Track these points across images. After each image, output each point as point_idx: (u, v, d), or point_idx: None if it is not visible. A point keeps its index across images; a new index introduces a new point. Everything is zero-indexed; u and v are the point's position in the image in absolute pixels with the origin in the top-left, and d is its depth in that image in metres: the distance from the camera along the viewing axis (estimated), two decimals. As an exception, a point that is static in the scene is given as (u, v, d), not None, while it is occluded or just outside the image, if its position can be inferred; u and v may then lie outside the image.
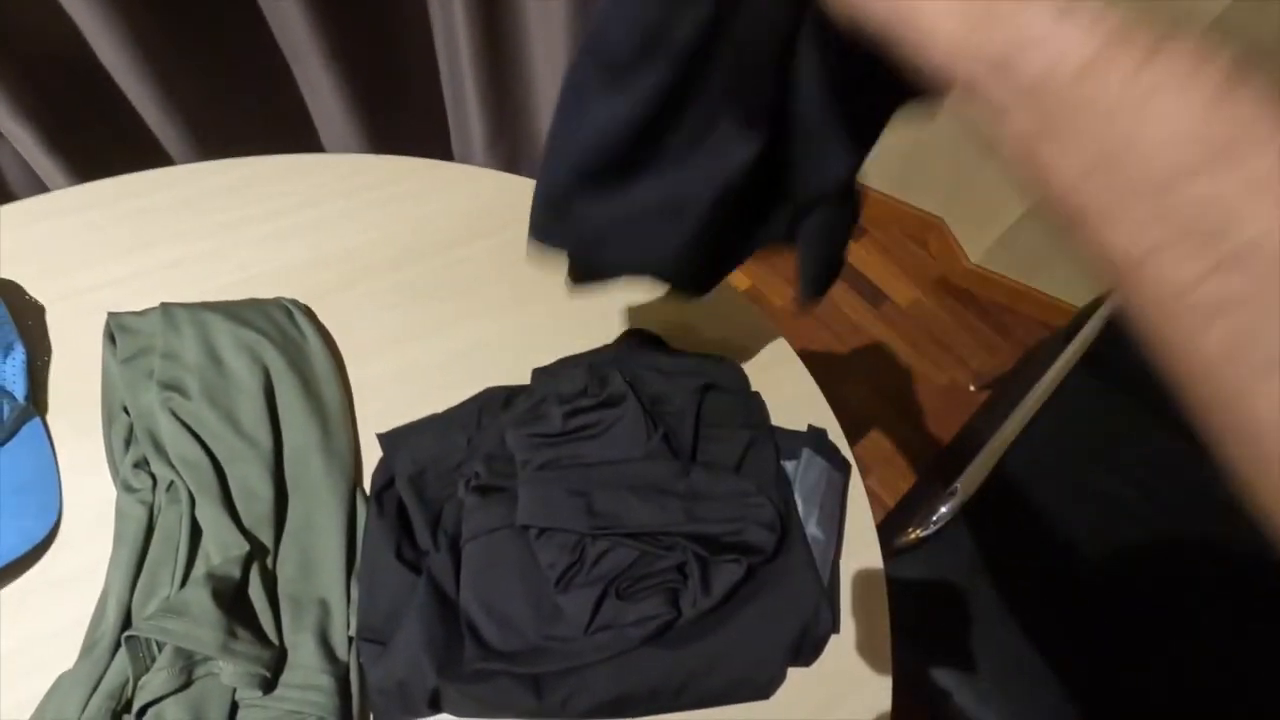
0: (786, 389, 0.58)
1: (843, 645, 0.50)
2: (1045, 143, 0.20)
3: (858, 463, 0.57)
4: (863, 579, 0.53)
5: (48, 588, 0.46)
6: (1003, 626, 0.78)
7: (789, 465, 0.54)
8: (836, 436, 0.57)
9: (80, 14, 0.63)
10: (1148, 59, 0.19)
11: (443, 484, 0.49)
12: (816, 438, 0.56)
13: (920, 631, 0.77)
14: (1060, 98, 0.20)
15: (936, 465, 0.91)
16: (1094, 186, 0.20)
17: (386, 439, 0.51)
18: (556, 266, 0.40)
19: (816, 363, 0.62)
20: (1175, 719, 0.75)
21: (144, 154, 0.74)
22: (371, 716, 0.44)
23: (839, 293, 1.53)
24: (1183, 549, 0.84)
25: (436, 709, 0.43)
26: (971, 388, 1.43)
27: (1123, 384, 0.93)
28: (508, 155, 1.08)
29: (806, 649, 0.48)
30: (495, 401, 0.54)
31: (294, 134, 0.92)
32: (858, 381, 1.43)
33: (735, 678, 0.46)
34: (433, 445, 0.51)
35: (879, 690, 0.49)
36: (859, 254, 1.58)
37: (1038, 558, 0.83)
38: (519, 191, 0.68)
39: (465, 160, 1.09)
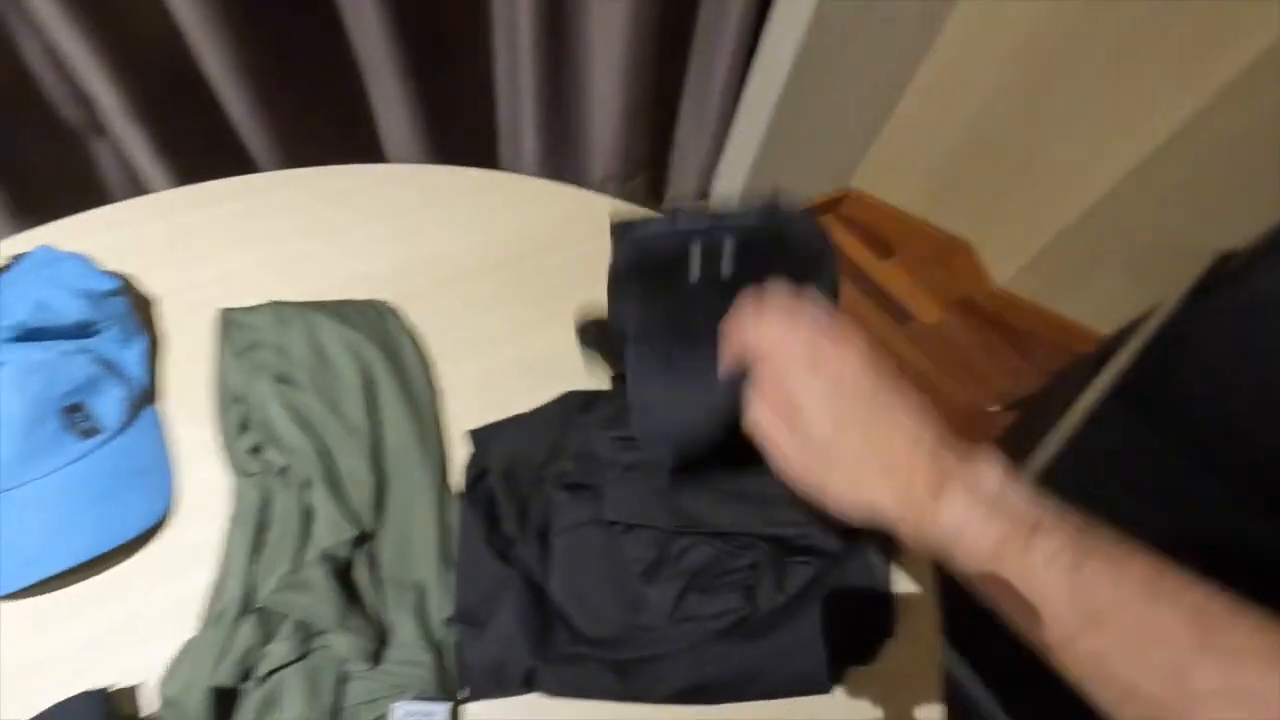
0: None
1: (895, 645, 0.53)
2: (977, 584, 0.31)
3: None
4: (913, 587, 0.56)
5: (166, 562, 0.49)
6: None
7: None
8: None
9: (187, 20, 0.67)
10: (1029, 543, 0.28)
11: (529, 480, 0.52)
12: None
13: (960, 642, 0.80)
14: (979, 570, 0.29)
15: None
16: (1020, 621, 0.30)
17: (477, 435, 0.55)
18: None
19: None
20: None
21: (233, 160, 0.78)
22: (468, 691, 0.47)
23: (865, 309, 1.56)
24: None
25: (529, 687, 0.46)
26: (992, 409, 1.46)
27: (1155, 419, 0.96)
28: (556, 170, 1.12)
29: (865, 648, 0.51)
30: (575, 404, 0.57)
31: (356, 143, 0.96)
32: (883, 398, 1.46)
33: (801, 671, 0.49)
34: (520, 443, 0.54)
35: (929, 690, 0.52)
36: (886, 272, 1.61)
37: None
38: (592, 206, 0.72)
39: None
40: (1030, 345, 1.53)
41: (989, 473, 0.30)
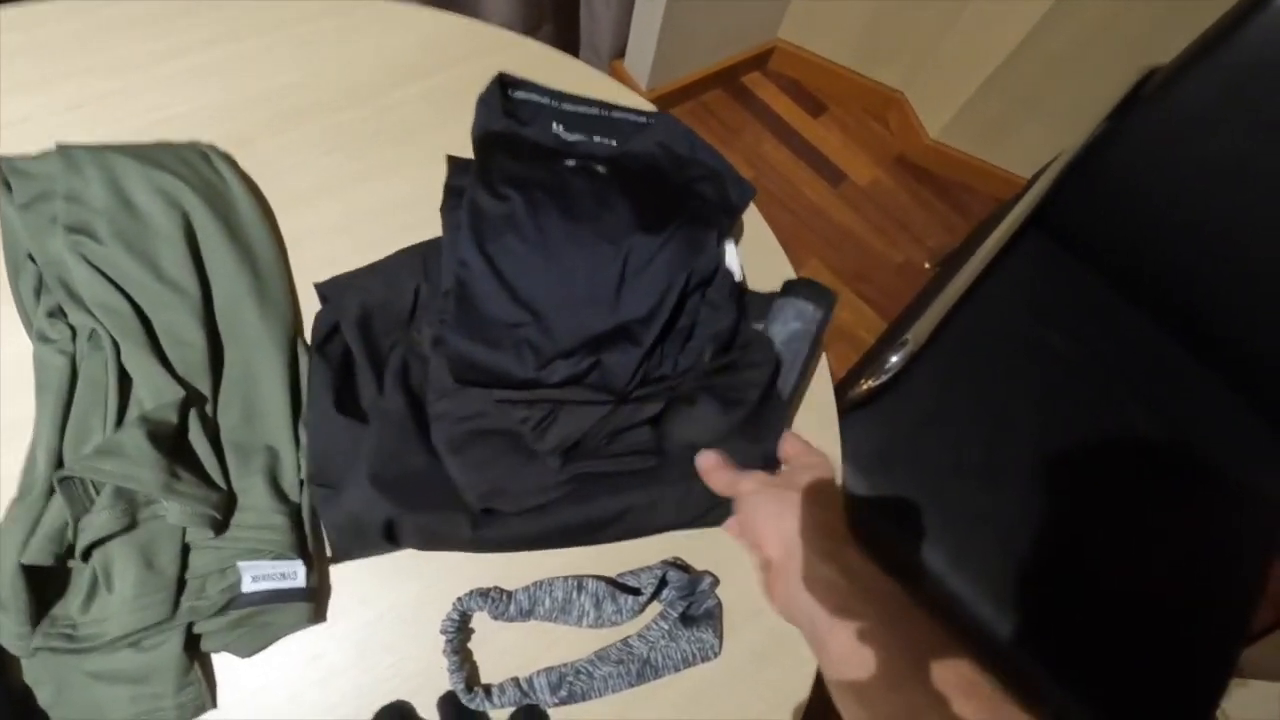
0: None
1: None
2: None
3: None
4: (819, 423, 0.54)
5: (-28, 446, 0.44)
6: (951, 474, 0.82)
7: (758, 326, 0.52)
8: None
9: None
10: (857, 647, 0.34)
11: (391, 330, 0.47)
12: (794, 286, 0.54)
13: (873, 476, 0.81)
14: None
15: (890, 330, 0.92)
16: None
17: (326, 287, 0.49)
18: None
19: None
20: (1110, 558, 0.81)
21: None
22: (329, 555, 0.44)
23: (799, 174, 1.50)
24: (1124, 403, 0.89)
25: (392, 541, 0.43)
26: (927, 265, 1.44)
27: (1068, 242, 0.94)
28: None
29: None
30: (439, 250, 0.51)
31: None
32: (817, 262, 1.43)
33: (693, 511, 0.47)
34: (377, 294, 0.48)
35: None
36: (819, 133, 1.54)
37: (987, 408, 0.86)
38: (456, 31, 0.63)
39: None
40: (964, 199, 1.50)
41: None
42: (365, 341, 0.46)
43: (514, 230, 0.46)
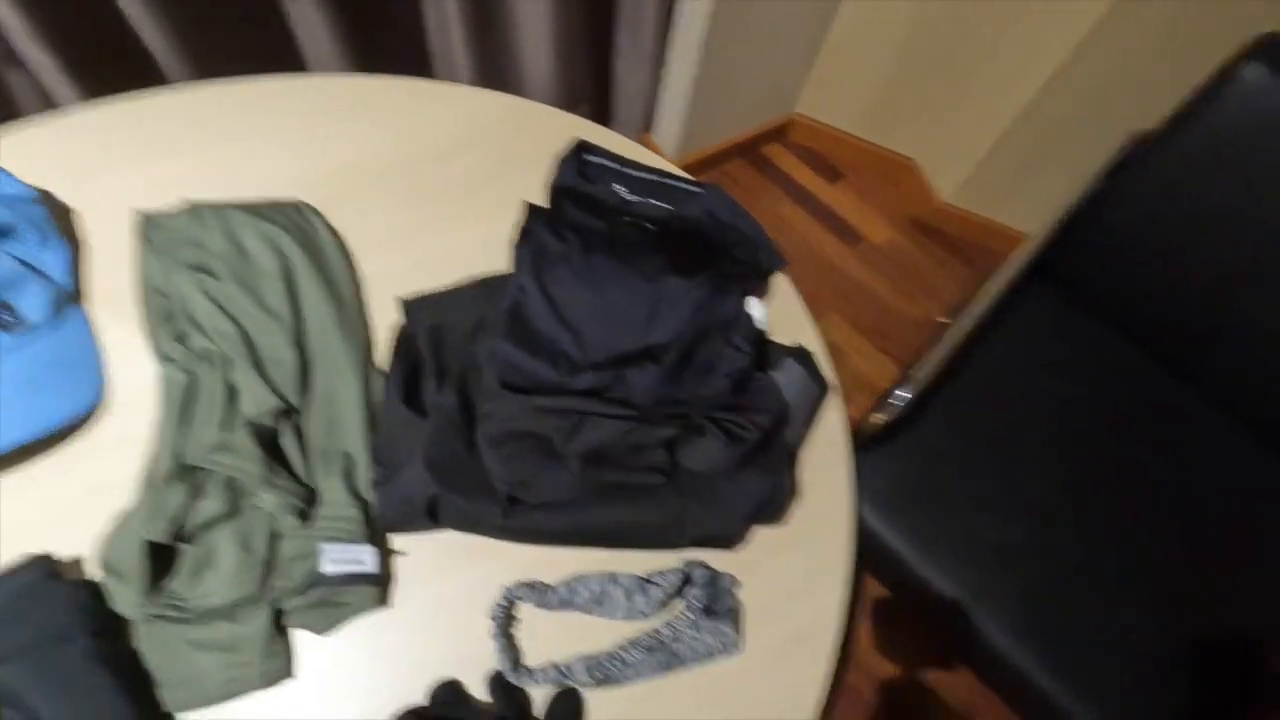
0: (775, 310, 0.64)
1: (809, 515, 0.57)
2: None
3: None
4: (831, 462, 0.60)
5: (100, 451, 0.52)
6: (968, 509, 0.86)
7: (774, 375, 0.58)
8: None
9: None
10: None
11: (456, 343, 0.55)
12: (801, 353, 0.60)
13: (890, 511, 0.85)
14: None
15: (902, 373, 0.98)
16: None
17: (409, 303, 0.57)
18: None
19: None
20: (1126, 592, 0.83)
21: (145, 78, 0.78)
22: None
23: (817, 234, 1.59)
24: (1132, 441, 0.92)
25: (433, 519, 0.49)
26: (940, 318, 1.49)
27: (1071, 292, 1.00)
28: (487, 77, 1.13)
29: (766, 515, 0.55)
30: (499, 283, 0.59)
31: (279, 55, 0.95)
32: (837, 316, 1.50)
33: (705, 532, 0.52)
34: (447, 311, 0.57)
35: (839, 554, 0.56)
36: (836, 197, 1.63)
37: (999, 447, 0.90)
38: (501, 108, 0.73)
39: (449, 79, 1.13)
40: (976, 256, 1.56)
41: None
42: (434, 349, 0.54)
43: (567, 264, 0.54)
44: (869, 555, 0.85)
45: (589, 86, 1.34)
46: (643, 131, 1.51)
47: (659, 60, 1.35)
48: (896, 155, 1.59)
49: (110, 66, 0.76)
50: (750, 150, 1.65)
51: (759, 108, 1.57)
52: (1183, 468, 0.90)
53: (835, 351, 1.44)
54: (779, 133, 1.65)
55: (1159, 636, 0.80)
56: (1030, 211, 1.45)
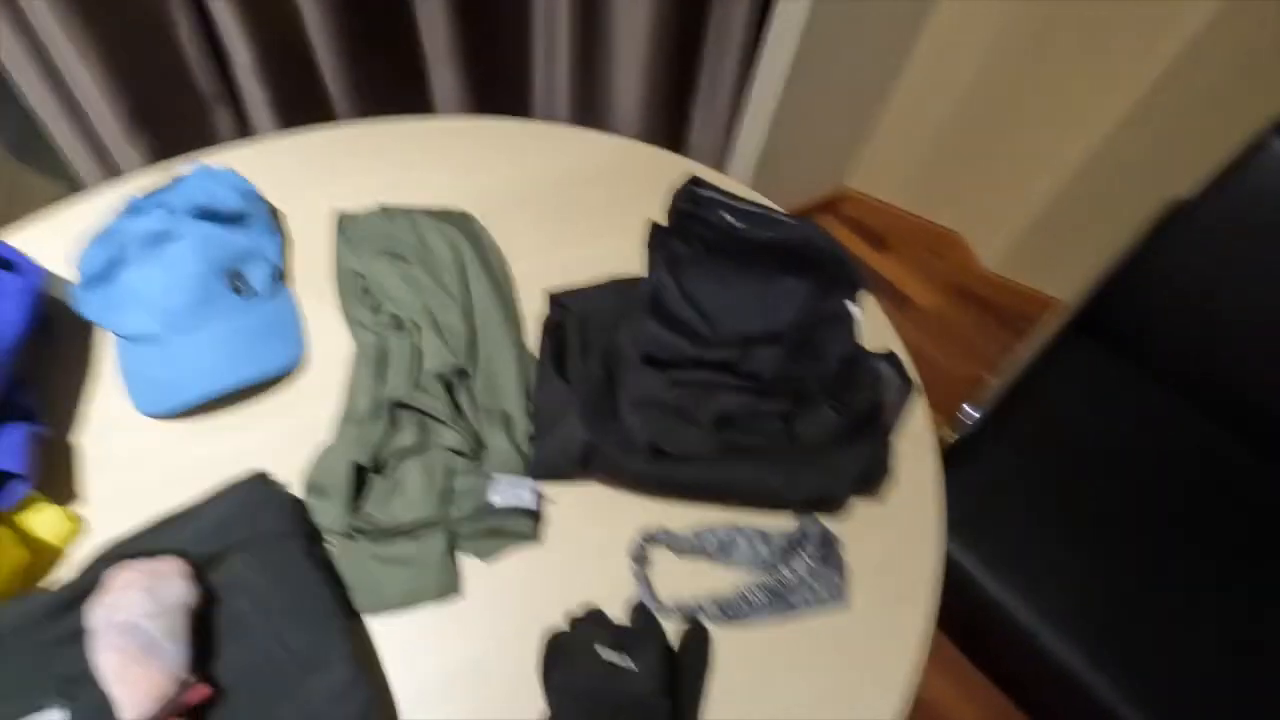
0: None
1: (901, 496, 0.64)
2: None
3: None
4: (919, 450, 0.67)
5: (302, 397, 0.61)
6: (1030, 536, 0.91)
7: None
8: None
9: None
10: None
11: (599, 328, 0.64)
12: (892, 357, 0.68)
13: (958, 534, 0.90)
14: None
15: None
16: None
17: (560, 294, 0.67)
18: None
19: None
20: (1193, 619, 0.86)
21: (320, 115, 0.93)
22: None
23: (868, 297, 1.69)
24: (1180, 483, 0.97)
25: (585, 465, 0.57)
26: (988, 376, 1.56)
27: (1120, 345, 1.08)
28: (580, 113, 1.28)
29: (868, 484, 0.61)
30: (634, 282, 0.69)
31: (413, 99, 1.10)
32: (886, 372, 1.57)
33: (822, 489, 0.59)
34: (593, 301, 0.66)
35: (930, 532, 0.62)
36: (883, 265, 1.75)
37: (1056, 482, 0.96)
38: (611, 147, 0.86)
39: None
40: (1019, 321, 1.65)
41: None
42: (580, 333, 0.63)
43: (696, 264, 0.64)
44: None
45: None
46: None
47: (729, 128, 1.51)
48: (941, 227, 1.72)
49: (300, 102, 0.91)
50: (803, 220, 1.79)
51: (815, 180, 1.71)
52: (1223, 506, 0.95)
53: (886, 404, 1.51)
54: (830, 205, 1.79)
55: (1229, 662, 0.82)
56: (1067, 280, 1.54)
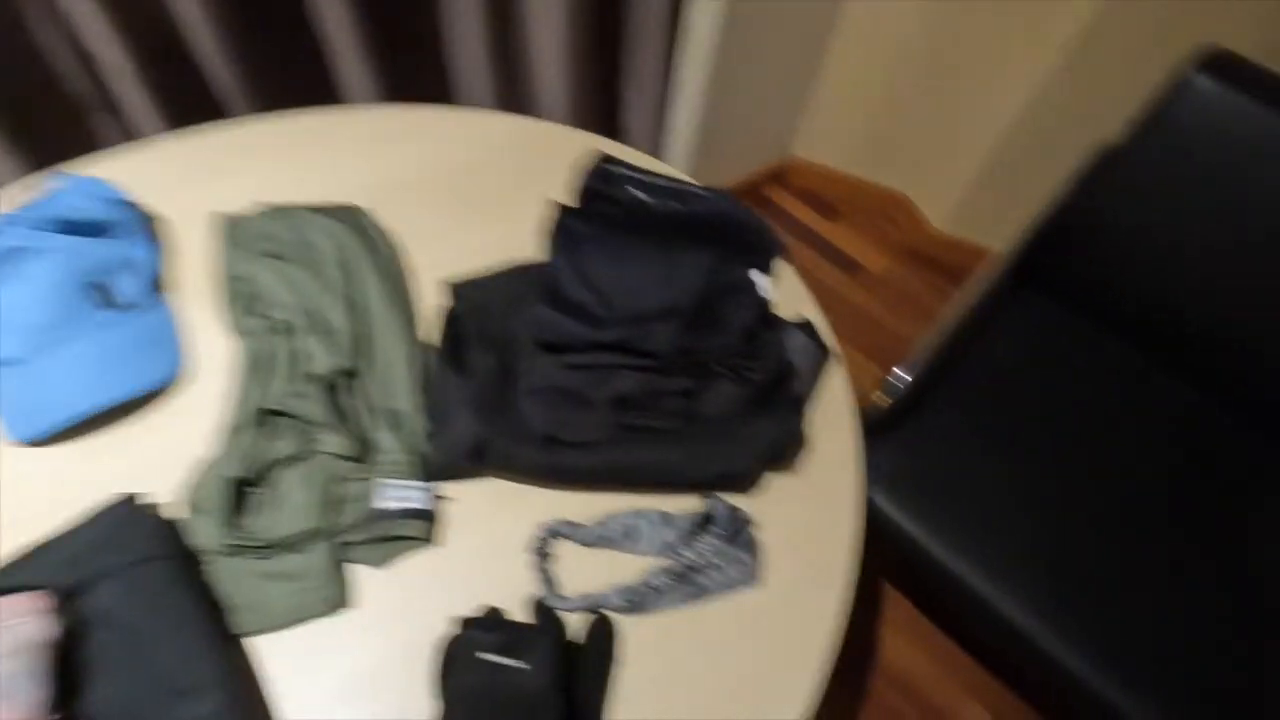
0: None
1: (817, 467, 0.62)
2: None
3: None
4: (837, 418, 0.65)
5: (180, 412, 0.58)
6: (975, 496, 0.90)
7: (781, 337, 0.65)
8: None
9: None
10: None
11: (496, 316, 0.62)
12: (806, 325, 0.67)
13: (902, 496, 0.89)
14: None
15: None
16: None
17: (455, 285, 0.64)
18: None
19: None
20: (1145, 573, 0.85)
21: (210, 113, 0.89)
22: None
23: (817, 264, 1.67)
24: (1127, 432, 0.96)
25: (479, 461, 0.55)
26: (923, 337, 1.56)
27: (1059, 294, 1.07)
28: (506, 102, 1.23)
29: (778, 457, 0.60)
30: (530, 268, 0.66)
31: (320, 92, 1.05)
32: (840, 340, 1.56)
33: (727, 468, 0.57)
34: (487, 290, 0.64)
35: (847, 502, 0.61)
36: (834, 231, 1.73)
37: (1001, 438, 0.95)
38: (521, 129, 0.83)
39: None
40: (966, 279, 1.64)
41: None
42: (477, 322, 0.60)
43: (593, 244, 0.62)
44: (885, 544, 0.89)
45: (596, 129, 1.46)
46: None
47: (662, 107, 1.47)
48: (888, 190, 1.70)
49: (185, 102, 0.87)
50: (751, 192, 1.76)
51: (757, 152, 1.68)
52: (1174, 451, 0.94)
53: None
54: (777, 175, 1.77)
55: (1182, 617, 0.82)
56: (1015, 236, 1.53)
